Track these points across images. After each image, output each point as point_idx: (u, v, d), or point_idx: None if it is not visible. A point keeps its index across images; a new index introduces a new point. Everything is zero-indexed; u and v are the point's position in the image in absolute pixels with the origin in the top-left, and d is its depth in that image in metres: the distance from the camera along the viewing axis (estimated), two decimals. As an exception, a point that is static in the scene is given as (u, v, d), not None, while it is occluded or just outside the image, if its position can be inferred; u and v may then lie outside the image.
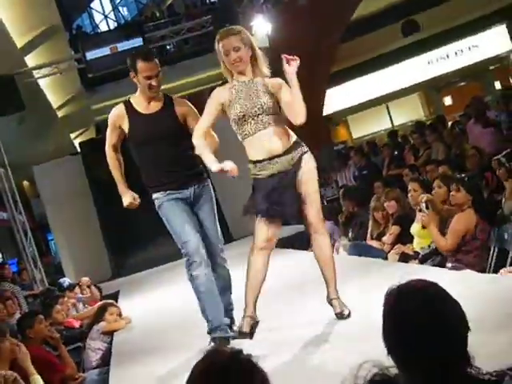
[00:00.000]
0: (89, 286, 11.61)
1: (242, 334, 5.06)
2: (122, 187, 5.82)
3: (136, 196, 5.78)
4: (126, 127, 5.63)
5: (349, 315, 5.12)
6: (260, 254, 5.11)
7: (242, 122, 5.05)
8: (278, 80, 5.20)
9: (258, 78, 5.16)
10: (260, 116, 5.02)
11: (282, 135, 5.09)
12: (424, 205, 7.23)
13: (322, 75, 19.36)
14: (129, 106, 5.68)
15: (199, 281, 5.38)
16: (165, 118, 5.58)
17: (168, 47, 20.73)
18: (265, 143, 5.04)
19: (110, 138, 5.76)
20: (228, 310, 5.69)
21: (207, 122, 5.19)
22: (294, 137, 5.17)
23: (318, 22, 17.00)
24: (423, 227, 7.47)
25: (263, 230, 5.09)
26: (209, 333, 5.42)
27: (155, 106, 5.64)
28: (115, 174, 5.83)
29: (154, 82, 5.52)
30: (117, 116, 5.68)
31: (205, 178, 5.67)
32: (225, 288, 5.70)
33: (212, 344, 5.32)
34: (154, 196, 5.65)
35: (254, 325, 5.11)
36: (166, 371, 5.32)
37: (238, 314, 5.49)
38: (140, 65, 5.51)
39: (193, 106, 5.71)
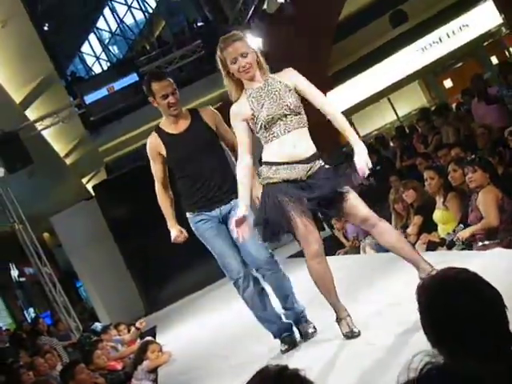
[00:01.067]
0: (129, 330, 11.56)
1: (355, 334, 4.86)
2: (170, 223, 5.78)
3: (183, 230, 5.74)
4: (163, 152, 5.57)
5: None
6: (321, 258, 4.85)
7: (271, 124, 4.79)
8: (289, 72, 5.00)
9: (271, 80, 4.91)
10: (288, 117, 4.79)
11: (306, 141, 4.87)
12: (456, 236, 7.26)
13: (321, 79, 19.32)
14: (159, 131, 5.62)
15: (248, 302, 5.59)
16: (197, 132, 5.53)
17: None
18: (289, 146, 4.80)
19: (156, 172, 5.71)
20: (290, 310, 5.65)
21: (245, 136, 4.92)
22: (314, 147, 4.92)
23: (306, 28, 17.03)
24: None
25: (312, 232, 4.78)
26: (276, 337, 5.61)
27: (184, 124, 5.57)
28: (165, 211, 5.78)
29: (172, 100, 5.43)
30: (152, 144, 5.63)
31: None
32: (280, 291, 5.63)
33: (283, 344, 5.49)
34: (187, 215, 5.64)
35: None
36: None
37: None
38: (154, 86, 5.45)
39: (218, 113, 5.69)
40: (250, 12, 13.88)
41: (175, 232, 5.71)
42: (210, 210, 5.49)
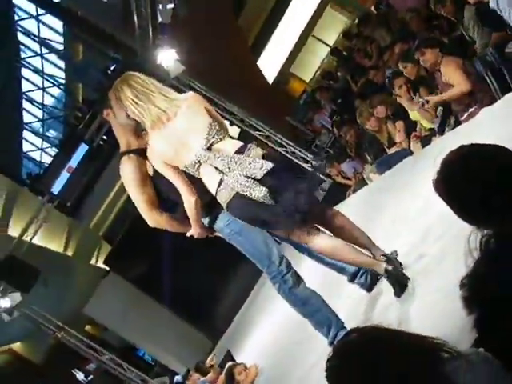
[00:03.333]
0: (212, 366, 11.61)
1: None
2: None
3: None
4: (150, 170, 4.98)
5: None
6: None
7: None
8: None
9: None
10: None
11: None
12: (420, 102, 7.31)
13: (243, 53, 19.36)
14: (132, 152, 5.06)
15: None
16: None
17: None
18: None
19: (143, 199, 5.04)
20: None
21: None
22: None
23: (205, 14, 17.01)
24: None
25: None
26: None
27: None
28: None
29: None
30: (135, 167, 5.01)
31: None
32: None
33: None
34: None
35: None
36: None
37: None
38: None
39: None
40: (150, 34, 13.82)
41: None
42: None
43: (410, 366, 1.66)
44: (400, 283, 4.44)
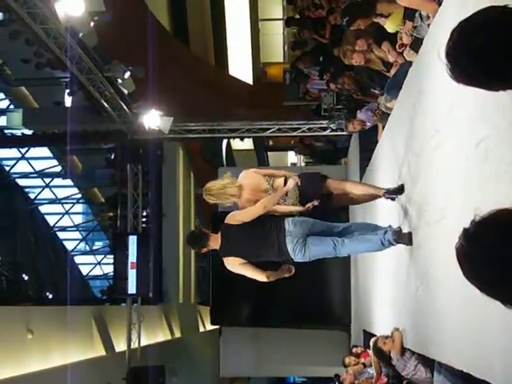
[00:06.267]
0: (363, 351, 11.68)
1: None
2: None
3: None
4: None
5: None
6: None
7: None
8: None
9: None
10: None
11: None
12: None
13: (213, 74, 19.35)
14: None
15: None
16: None
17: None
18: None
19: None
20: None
21: None
22: None
23: (160, 61, 17.08)
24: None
25: None
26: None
27: None
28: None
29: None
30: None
31: None
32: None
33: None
34: None
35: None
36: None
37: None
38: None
39: None
40: (126, 108, 13.93)
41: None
42: None
43: None
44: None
